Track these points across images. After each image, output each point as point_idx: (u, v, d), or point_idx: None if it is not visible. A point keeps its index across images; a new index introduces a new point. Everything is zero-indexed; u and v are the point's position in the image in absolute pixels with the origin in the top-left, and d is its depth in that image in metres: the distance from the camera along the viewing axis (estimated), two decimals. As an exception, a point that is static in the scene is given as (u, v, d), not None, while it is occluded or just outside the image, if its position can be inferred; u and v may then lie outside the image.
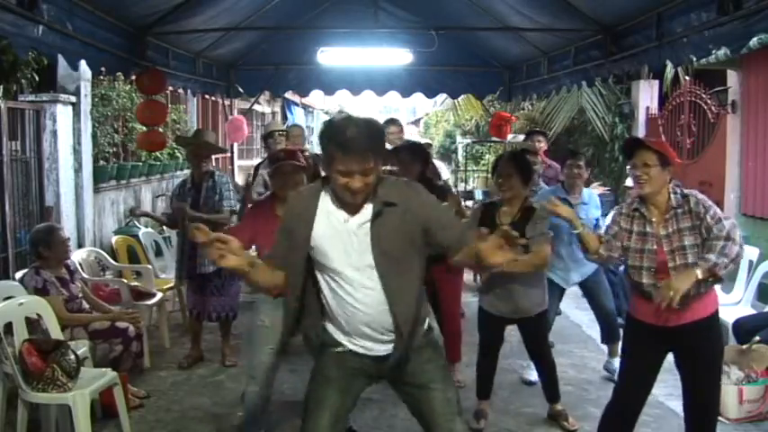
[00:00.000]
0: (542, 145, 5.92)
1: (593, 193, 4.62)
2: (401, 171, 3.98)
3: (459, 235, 2.23)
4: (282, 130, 5.93)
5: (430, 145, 7.89)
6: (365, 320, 2.24)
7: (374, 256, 2.17)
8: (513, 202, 3.57)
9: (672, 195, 2.83)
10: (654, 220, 2.86)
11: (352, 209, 2.20)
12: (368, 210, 2.19)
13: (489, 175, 13.12)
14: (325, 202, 2.24)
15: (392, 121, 6.24)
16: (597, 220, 4.48)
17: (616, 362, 4.05)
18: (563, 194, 4.32)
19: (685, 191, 2.86)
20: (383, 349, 2.29)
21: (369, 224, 2.18)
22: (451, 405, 2.37)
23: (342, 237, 2.19)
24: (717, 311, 2.88)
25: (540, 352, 3.80)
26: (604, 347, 4.66)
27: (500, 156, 3.69)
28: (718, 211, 2.81)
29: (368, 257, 2.18)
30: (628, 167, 2.94)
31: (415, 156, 4.13)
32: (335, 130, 2.11)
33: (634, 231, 2.90)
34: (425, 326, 2.37)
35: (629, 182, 6.89)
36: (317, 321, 2.34)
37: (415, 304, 2.27)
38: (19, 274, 4.20)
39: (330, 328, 2.33)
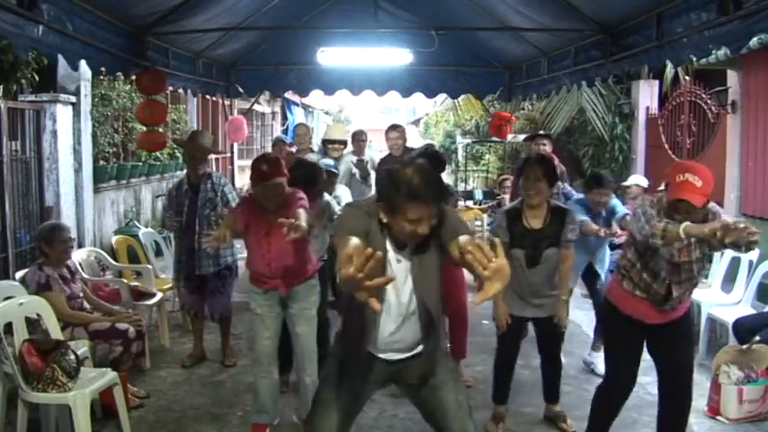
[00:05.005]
0: (547, 148, 5.93)
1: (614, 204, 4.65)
2: None
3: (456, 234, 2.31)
4: (342, 141, 6.17)
5: (432, 146, 7.89)
6: (396, 338, 2.33)
7: (414, 285, 2.29)
8: (539, 204, 3.53)
9: None
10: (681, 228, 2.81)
11: (402, 246, 2.29)
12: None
13: (489, 175, 13.29)
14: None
15: (394, 128, 6.29)
16: (626, 214, 4.49)
17: (595, 356, 4.61)
18: (585, 213, 4.44)
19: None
20: (402, 355, 2.37)
21: (409, 255, 2.28)
22: (463, 407, 2.43)
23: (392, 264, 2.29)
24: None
25: (552, 352, 3.82)
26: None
27: (526, 159, 3.64)
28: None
29: (407, 284, 2.29)
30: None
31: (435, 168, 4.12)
32: (402, 181, 2.14)
33: None
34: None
35: (630, 181, 6.91)
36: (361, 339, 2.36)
37: (439, 309, 2.41)
38: (20, 274, 4.21)
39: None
